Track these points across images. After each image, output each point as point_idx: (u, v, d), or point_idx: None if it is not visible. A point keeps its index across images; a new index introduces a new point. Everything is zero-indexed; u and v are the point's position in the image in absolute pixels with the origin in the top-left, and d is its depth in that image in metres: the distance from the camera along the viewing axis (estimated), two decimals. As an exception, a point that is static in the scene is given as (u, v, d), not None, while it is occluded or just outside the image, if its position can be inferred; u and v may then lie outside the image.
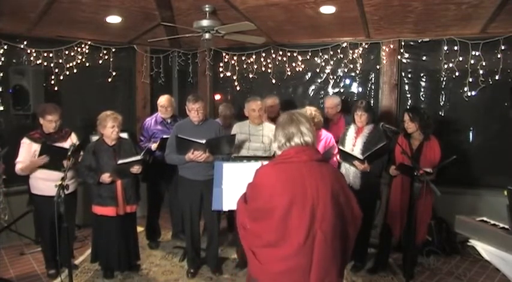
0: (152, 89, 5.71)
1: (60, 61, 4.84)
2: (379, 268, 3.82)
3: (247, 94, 5.46)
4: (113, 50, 5.28)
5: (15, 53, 4.58)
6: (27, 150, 3.46)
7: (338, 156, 3.65)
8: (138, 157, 3.47)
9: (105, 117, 3.48)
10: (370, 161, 3.44)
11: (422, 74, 4.85)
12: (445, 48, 4.57)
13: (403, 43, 4.76)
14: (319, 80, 5.29)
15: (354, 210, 1.87)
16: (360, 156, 3.46)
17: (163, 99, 4.40)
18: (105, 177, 3.39)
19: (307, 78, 5.36)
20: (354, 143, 3.69)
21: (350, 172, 3.66)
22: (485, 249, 2.11)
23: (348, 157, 3.55)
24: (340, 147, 3.61)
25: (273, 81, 5.40)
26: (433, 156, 3.47)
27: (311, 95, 5.37)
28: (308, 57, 5.18)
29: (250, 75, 5.55)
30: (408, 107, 4.61)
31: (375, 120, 3.82)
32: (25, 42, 4.56)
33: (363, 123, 3.67)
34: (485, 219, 2.24)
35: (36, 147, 3.45)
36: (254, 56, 5.46)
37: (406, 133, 3.61)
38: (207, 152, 3.44)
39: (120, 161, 3.38)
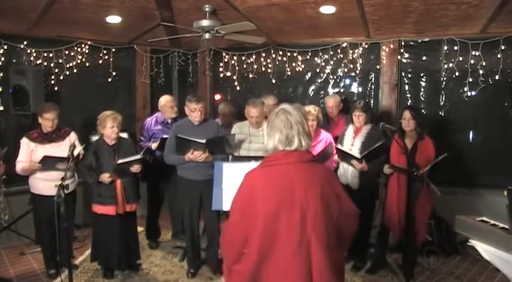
0: (152, 89, 5.70)
1: (60, 61, 4.84)
2: (377, 268, 3.82)
3: (247, 94, 5.48)
4: (113, 50, 5.28)
5: (15, 53, 4.58)
6: (26, 150, 3.48)
7: (336, 156, 3.66)
8: (138, 156, 3.48)
9: (105, 118, 3.49)
10: (368, 160, 3.44)
11: (422, 74, 4.85)
12: (445, 48, 4.57)
13: (403, 43, 4.76)
14: (319, 80, 5.29)
15: (347, 208, 1.81)
16: (358, 156, 3.46)
17: (168, 99, 4.34)
18: (105, 178, 3.40)
19: (307, 78, 5.36)
20: (352, 142, 3.69)
21: (348, 172, 3.66)
22: (485, 249, 2.10)
23: (346, 157, 3.55)
24: (339, 147, 3.61)
25: (273, 81, 5.40)
26: (427, 155, 3.46)
27: (311, 95, 5.37)
28: (308, 57, 5.18)
29: (250, 75, 5.55)
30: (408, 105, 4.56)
31: (373, 120, 3.82)
32: (25, 42, 4.56)
33: (361, 124, 3.67)
34: (485, 219, 2.23)
35: (33, 146, 3.47)
36: (254, 56, 5.45)
37: (401, 132, 3.60)
38: (206, 152, 3.44)
39: (119, 161, 3.39)
